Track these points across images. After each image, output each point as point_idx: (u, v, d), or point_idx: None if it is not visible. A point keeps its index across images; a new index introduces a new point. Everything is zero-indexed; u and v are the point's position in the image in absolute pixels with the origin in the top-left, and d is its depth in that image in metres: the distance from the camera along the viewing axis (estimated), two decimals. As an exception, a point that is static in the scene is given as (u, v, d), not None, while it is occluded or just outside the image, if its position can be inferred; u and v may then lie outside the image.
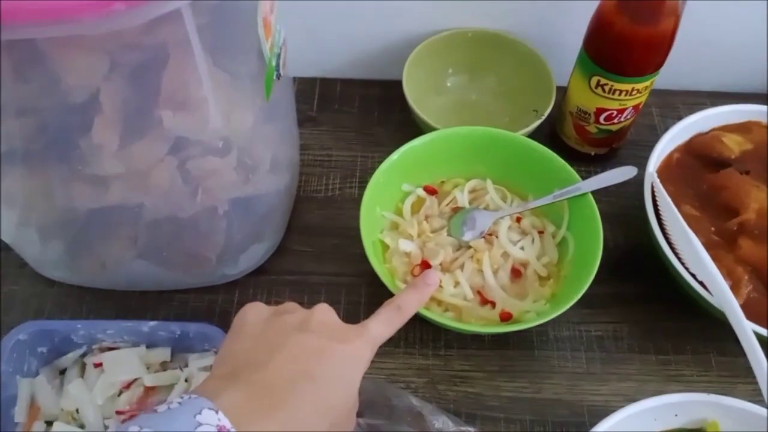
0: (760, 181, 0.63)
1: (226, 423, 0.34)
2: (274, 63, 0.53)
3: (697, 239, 0.56)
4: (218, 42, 0.49)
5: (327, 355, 0.39)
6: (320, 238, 0.69)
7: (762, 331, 0.54)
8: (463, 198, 0.65)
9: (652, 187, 0.62)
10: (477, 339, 0.62)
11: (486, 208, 0.65)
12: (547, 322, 0.56)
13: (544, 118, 0.69)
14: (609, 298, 0.65)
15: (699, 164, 0.66)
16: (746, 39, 0.76)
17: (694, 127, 0.68)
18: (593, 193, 0.62)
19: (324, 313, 0.43)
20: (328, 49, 0.81)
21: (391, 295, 0.52)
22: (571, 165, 0.64)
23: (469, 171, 0.68)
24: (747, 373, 0.61)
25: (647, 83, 0.64)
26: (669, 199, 0.59)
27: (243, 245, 0.62)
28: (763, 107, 0.69)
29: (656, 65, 0.63)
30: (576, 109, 0.69)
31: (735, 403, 0.51)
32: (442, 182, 0.68)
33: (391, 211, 0.65)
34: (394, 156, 0.63)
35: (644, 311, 0.64)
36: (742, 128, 0.68)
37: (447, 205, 0.66)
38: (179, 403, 0.34)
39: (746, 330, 0.51)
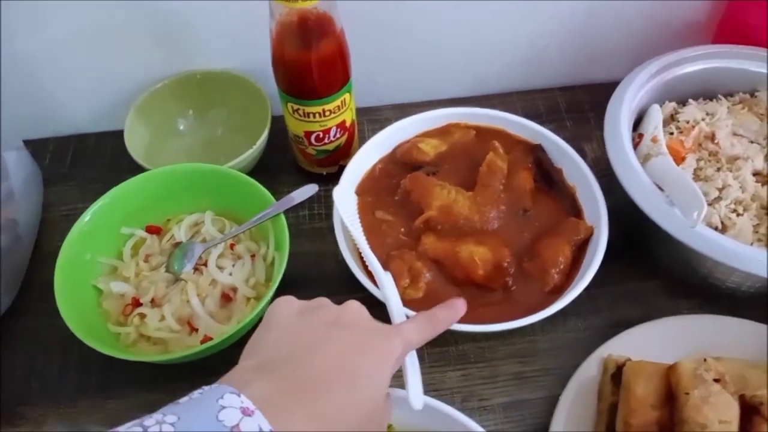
0: (449, 179, 0.68)
1: (249, 405, 0.33)
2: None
3: (362, 240, 0.60)
4: None
5: (364, 351, 0.40)
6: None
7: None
8: (180, 233, 0.68)
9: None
10: (188, 368, 0.64)
11: (203, 240, 0.68)
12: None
13: (256, 148, 0.73)
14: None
15: (400, 171, 0.71)
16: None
17: (394, 136, 0.72)
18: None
19: (355, 309, 0.43)
20: (77, 106, 0.83)
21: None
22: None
23: (192, 206, 0.70)
24: (456, 360, 0.65)
25: (337, 103, 0.68)
26: (341, 212, 0.63)
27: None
28: (461, 109, 0.74)
29: (336, 86, 0.67)
30: (293, 135, 0.74)
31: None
32: (168, 220, 0.71)
33: (112, 256, 0.67)
34: (99, 202, 0.66)
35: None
36: (442, 132, 0.74)
37: (168, 241, 0.69)
38: (200, 393, 0.35)
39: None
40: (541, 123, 0.75)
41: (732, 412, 0.52)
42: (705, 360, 0.55)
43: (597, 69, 0.88)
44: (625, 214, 0.65)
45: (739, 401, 0.53)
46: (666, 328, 0.63)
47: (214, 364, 0.64)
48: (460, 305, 0.49)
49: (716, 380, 0.53)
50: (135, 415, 0.60)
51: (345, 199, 0.65)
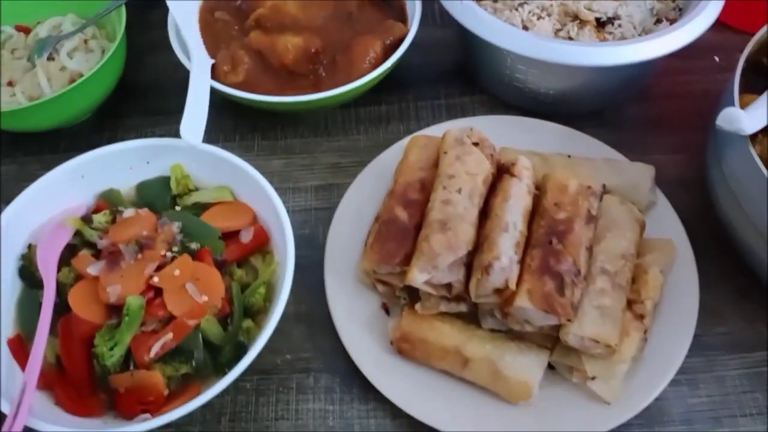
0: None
1: None
2: None
3: (187, 31, 0.68)
4: None
5: None
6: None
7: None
8: (42, 30, 0.74)
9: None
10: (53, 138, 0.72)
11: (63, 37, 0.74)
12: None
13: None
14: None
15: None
16: None
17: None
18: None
19: None
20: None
21: None
22: None
23: (59, 11, 0.77)
24: (282, 151, 0.72)
25: None
26: (171, 8, 0.69)
27: None
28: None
29: None
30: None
31: (201, 147, 0.60)
32: (39, 23, 0.77)
33: (-16, 50, 0.74)
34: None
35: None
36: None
37: (33, 38, 0.75)
38: None
39: (195, 86, 0.62)
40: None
41: (481, 168, 0.57)
42: (471, 129, 0.60)
43: None
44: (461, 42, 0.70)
45: (497, 166, 0.59)
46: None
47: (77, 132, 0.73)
48: None
49: (475, 144, 0.59)
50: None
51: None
